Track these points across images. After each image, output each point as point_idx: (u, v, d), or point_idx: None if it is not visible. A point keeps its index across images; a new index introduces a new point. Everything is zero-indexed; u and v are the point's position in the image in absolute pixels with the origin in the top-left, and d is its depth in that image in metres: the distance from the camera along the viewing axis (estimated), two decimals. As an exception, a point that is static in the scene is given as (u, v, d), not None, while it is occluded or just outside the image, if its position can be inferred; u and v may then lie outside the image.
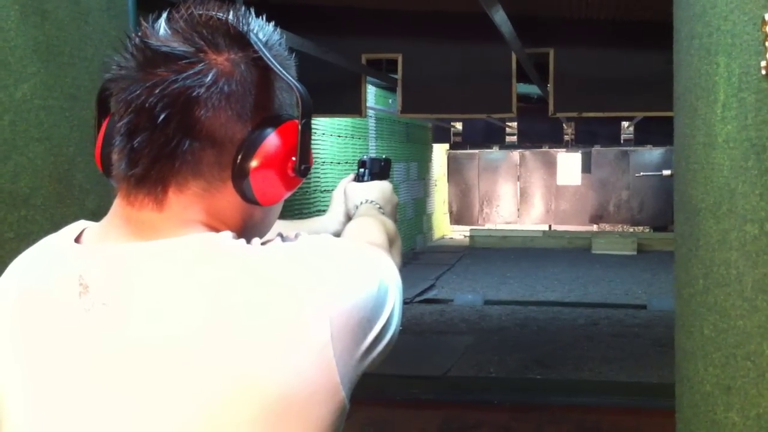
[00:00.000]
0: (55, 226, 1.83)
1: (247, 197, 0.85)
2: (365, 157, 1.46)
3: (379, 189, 1.40)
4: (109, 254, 0.82)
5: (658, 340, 6.33)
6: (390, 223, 1.25)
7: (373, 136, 10.77)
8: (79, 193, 1.95)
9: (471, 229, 14.35)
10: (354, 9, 5.18)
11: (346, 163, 9.35)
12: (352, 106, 5.55)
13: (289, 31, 0.85)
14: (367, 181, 1.43)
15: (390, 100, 10.08)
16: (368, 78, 5.77)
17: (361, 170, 1.45)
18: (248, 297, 0.76)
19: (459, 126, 13.97)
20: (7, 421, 0.83)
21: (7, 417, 0.83)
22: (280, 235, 0.87)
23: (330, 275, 0.80)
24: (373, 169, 1.45)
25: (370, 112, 9.80)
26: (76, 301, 0.80)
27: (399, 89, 5.41)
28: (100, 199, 1.98)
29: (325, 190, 8.31)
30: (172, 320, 0.76)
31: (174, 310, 0.76)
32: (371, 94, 9.49)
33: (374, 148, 10.71)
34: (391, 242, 1.15)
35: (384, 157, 1.50)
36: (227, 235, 0.82)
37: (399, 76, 5.38)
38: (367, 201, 1.36)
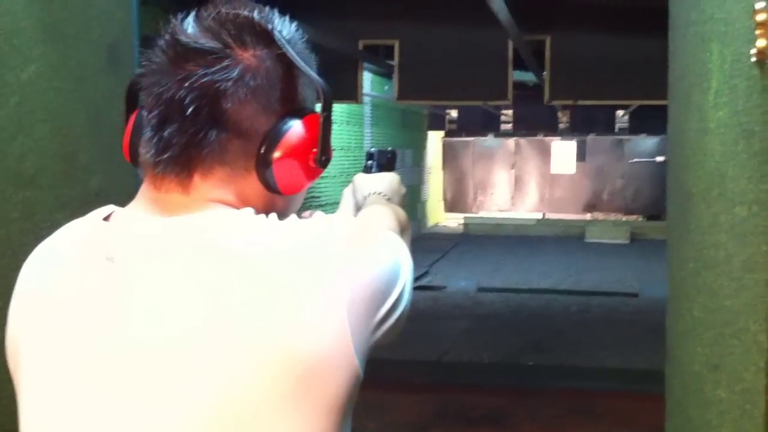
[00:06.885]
0: (61, 206, 1.87)
1: (270, 186, 0.90)
2: (373, 149, 1.51)
3: (387, 181, 1.43)
4: (134, 230, 0.86)
5: (650, 327, 6.37)
6: (401, 212, 1.29)
7: (369, 122, 10.78)
8: (84, 174, 1.98)
9: (465, 217, 14.40)
10: (352, -6, 5.19)
11: (341, 149, 9.36)
12: (349, 92, 5.57)
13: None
14: (375, 172, 1.47)
15: (386, 87, 10.08)
16: (365, 64, 5.78)
17: (369, 162, 1.49)
18: (280, 270, 0.80)
19: (454, 113, 14.00)
20: (26, 402, 0.87)
21: (26, 396, 0.87)
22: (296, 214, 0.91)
23: (349, 249, 0.84)
24: (381, 161, 1.50)
25: (366, 99, 9.81)
26: (102, 274, 0.84)
27: (396, 75, 5.42)
28: (105, 180, 2.00)
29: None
30: (207, 293, 0.79)
31: (215, 276, 0.80)
32: (367, 80, 9.49)
33: (370, 134, 10.72)
34: (402, 230, 1.19)
35: (390, 149, 1.54)
36: (249, 211, 0.87)
37: (396, 62, 5.39)
38: (375, 192, 1.40)
